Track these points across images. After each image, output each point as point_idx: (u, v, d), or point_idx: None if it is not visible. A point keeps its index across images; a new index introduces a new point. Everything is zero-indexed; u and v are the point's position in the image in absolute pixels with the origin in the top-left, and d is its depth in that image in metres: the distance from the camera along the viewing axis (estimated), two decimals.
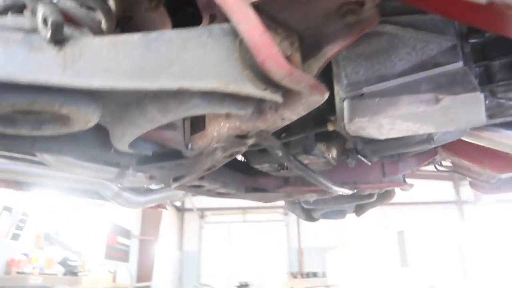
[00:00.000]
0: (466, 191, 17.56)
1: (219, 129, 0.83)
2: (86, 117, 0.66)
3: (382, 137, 0.92)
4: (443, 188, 18.66)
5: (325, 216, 2.05)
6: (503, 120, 1.12)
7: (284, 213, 17.54)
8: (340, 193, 1.47)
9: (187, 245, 16.98)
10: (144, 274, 9.54)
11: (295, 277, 14.77)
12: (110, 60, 0.60)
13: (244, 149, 0.91)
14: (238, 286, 16.11)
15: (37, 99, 0.61)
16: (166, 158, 1.03)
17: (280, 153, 0.92)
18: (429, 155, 1.44)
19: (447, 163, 1.75)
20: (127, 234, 9.48)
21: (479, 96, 0.78)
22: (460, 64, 0.86)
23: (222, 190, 1.39)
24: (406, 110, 0.87)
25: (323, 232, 16.95)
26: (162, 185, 1.50)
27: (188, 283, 14.37)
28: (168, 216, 13.08)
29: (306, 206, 1.80)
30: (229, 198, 1.56)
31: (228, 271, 16.62)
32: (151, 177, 1.18)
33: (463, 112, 0.83)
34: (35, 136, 0.80)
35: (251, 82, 0.62)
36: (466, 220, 16.43)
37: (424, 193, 16.88)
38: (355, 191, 1.42)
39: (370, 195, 1.63)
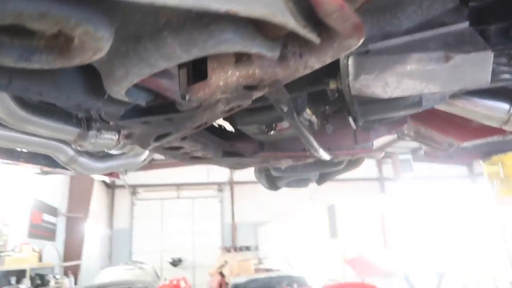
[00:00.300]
0: (388, 169, 19.03)
1: (226, 78, 0.75)
2: (99, 44, 0.53)
3: (386, 96, 0.91)
4: (367, 166, 20.02)
5: (289, 184, 2.06)
6: (479, 88, 1.17)
7: (218, 189, 17.62)
8: (321, 159, 1.47)
9: (117, 222, 16.38)
10: (72, 253, 9.04)
11: (228, 251, 15.00)
12: None
13: (247, 103, 0.84)
14: (171, 262, 16.00)
15: (51, 11, 0.47)
16: (154, 112, 0.92)
17: (285, 109, 0.86)
18: (399, 124, 1.48)
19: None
20: (53, 211, 8.86)
21: (489, 55, 0.80)
22: (466, 24, 0.87)
23: (199, 154, 1.30)
24: (414, 68, 0.86)
25: (256, 207, 17.37)
26: (123, 151, 1.36)
27: (118, 261, 13.92)
28: (98, 192, 12.44)
29: (275, 174, 1.77)
30: (202, 164, 1.48)
31: (161, 248, 16.40)
32: (129, 136, 1.05)
33: (471, 71, 0.84)
34: (13, 73, 0.65)
35: (293, 16, 0.55)
36: (387, 194, 17.86)
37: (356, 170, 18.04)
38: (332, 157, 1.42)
39: (339, 163, 1.65)
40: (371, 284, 7.09)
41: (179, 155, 1.31)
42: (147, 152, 1.67)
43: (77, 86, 0.74)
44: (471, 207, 10.60)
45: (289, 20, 0.54)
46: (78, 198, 9.49)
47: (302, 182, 2.03)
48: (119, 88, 0.69)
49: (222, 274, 12.10)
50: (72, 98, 0.73)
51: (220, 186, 17.62)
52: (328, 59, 0.66)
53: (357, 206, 10.24)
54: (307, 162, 1.55)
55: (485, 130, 1.48)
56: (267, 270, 12.14)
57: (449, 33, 0.87)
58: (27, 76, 0.66)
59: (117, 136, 1.28)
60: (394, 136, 1.52)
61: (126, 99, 0.73)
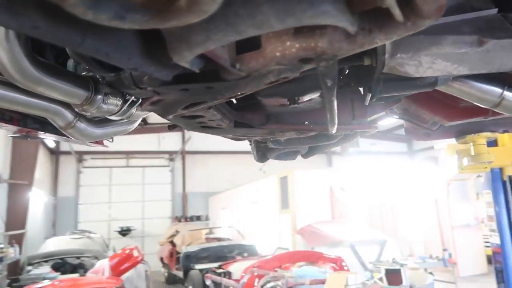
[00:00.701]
0: None
1: (283, 50, 0.74)
2: (209, 7, 0.49)
3: (417, 75, 0.96)
4: None
5: (278, 157, 2.09)
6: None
7: (169, 158, 17.36)
8: (321, 133, 1.51)
9: (62, 190, 15.68)
10: (16, 222, 8.57)
11: (179, 221, 15.03)
12: None
13: (295, 75, 0.85)
14: (119, 231, 15.73)
15: None
16: (196, 80, 0.89)
17: (329, 83, 0.88)
18: (394, 102, 1.56)
19: None
20: None
21: None
22: (495, 10, 0.93)
23: (214, 124, 1.28)
24: (449, 49, 0.92)
25: (207, 177, 17.42)
26: (122, 117, 1.31)
27: (63, 230, 13.43)
28: (41, 159, 11.76)
29: (273, 146, 1.79)
30: (213, 134, 1.46)
31: (108, 217, 16.03)
32: (156, 102, 1.01)
33: (500, 56, 0.91)
34: (87, 31, 0.59)
35: None
36: (334, 168, 18.64)
37: None
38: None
39: (335, 137, 1.71)
40: (319, 251, 7.50)
41: (193, 124, 1.28)
42: (140, 119, 1.62)
43: (136, 49, 0.69)
44: (409, 180, 11.39)
45: None
46: (22, 164, 8.92)
47: (291, 155, 2.07)
48: (190, 54, 0.66)
49: (173, 244, 12.15)
50: (132, 61, 0.69)
51: (171, 155, 17.37)
52: (395, 37, 0.69)
53: (308, 178, 10.59)
54: (308, 135, 1.60)
55: (470, 111, 1.61)
56: (218, 239, 12.38)
57: (480, 18, 0.93)
58: (98, 36, 0.61)
59: (121, 102, 1.22)
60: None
61: (188, 65, 0.70)
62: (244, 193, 13.41)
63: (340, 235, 8.38)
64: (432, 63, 0.93)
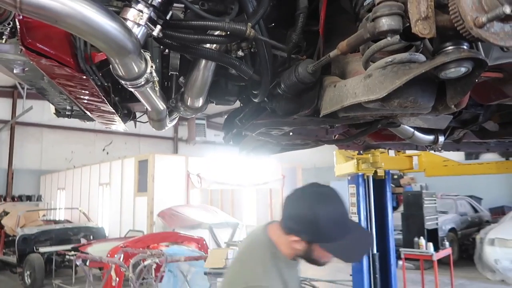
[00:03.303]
0: (183, 130, 20.33)
1: None
2: None
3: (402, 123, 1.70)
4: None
5: (254, 151, 2.54)
6: None
7: None
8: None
9: None
10: None
11: (4, 200, 13.15)
12: None
13: None
14: None
15: None
16: None
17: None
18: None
19: None
20: None
21: None
22: None
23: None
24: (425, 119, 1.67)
25: (41, 154, 15.64)
26: None
27: None
28: None
29: (271, 140, 2.23)
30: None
31: None
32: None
33: (434, 120, 1.71)
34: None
35: None
36: (180, 154, 19.12)
37: (149, 127, 18.39)
38: None
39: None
40: (182, 233, 8.01)
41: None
42: None
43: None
44: (250, 170, 12.64)
45: None
46: None
47: (268, 151, 2.56)
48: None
49: (1, 225, 10.71)
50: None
51: None
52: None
53: (168, 162, 10.88)
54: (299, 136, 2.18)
55: (387, 137, 2.48)
56: (55, 222, 11.46)
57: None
58: None
59: None
60: None
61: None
62: (92, 173, 12.70)
63: (199, 218, 9.05)
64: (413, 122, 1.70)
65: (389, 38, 0.95)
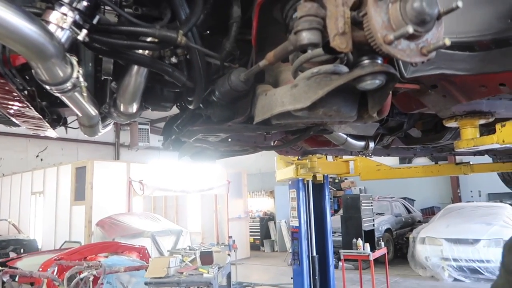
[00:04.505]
0: (125, 135, 19.63)
1: None
2: None
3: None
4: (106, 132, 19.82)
5: (193, 156, 2.51)
6: None
7: None
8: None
9: None
10: None
11: None
12: None
13: None
14: None
15: None
16: None
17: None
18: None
19: None
20: None
21: None
22: None
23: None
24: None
25: None
26: None
27: None
28: None
29: (215, 143, 2.21)
30: None
31: None
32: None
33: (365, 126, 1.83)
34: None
35: None
36: (122, 160, 18.40)
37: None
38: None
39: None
40: (121, 242, 7.73)
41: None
42: None
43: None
44: (194, 176, 12.48)
45: None
46: None
47: (208, 157, 2.55)
48: None
49: None
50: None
51: None
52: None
53: (108, 169, 10.45)
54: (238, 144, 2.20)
55: (322, 143, 2.59)
56: None
57: None
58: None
59: None
60: None
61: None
62: (23, 182, 11.86)
63: (140, 226, 8.77)
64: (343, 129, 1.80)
65: (309, 51, 1.00)
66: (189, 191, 12.39)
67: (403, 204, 12.78)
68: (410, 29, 0.82)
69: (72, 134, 2.57)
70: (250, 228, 14.63)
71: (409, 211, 12.80)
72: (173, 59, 1.49)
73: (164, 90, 1.83)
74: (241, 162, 14.01)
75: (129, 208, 10.60)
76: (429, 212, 13.59)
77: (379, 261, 6.99)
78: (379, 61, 1.02)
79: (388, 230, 10.90)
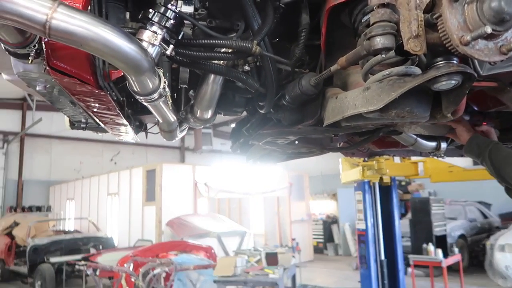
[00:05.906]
0: (189, 139, 20.44)
1: None
2: None
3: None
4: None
5: (261, 158, 2.62)
6: None
7: (3, 140, 15.09)
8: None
9: None
10: None
11: (14, 211, 13.32)
12: None
13: None
14: None
15: None
16: None
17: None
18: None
19: None
20: None
21: None
22: None
23: None
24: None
25: (49, 165, 15.83)
26: None
27: None
28: None
29: (283, 145, 2.31)
30: None
31: None
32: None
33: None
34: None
35: None
36: (187, 163, 19.21)
37: (156, 137, 18.54)
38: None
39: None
40: (190, 241, 8.07)
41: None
42: None
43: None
44: (257, 179, 12.66)
45: None
46: None
47: (274, 159, 2.64)
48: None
49: (11, 236, 10.85)
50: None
51: (6, 136, 15.14)
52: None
53: (176, 172, 10.96)
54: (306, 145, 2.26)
55: (390, 144, 2.55)
56: (64, 232, 11.59)
57: None
58: None
59: None
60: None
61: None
62: (100, 183, 12.83)
63: (207, 227, 9.10)
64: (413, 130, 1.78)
65: (383, 55, 1.03)
66: (252, 193, 12.62)
67: (478, 209, 11.93)
68: (489, 29, 0.82)
69: (141, 139, 2.78)
70: (313, 231, 14.54)
71: (485, 216, 11.91)
72: (246, 67, 1.58)
73: (236, 96, 1.94)
74: (302, 165, 13.94)
75: (195, 209, 11.04)
76: (509, 218, 12.52)
77: (452, 269, 6.61)
78: (455, 62, 1.02)
79: (462, 236, 10.24)
